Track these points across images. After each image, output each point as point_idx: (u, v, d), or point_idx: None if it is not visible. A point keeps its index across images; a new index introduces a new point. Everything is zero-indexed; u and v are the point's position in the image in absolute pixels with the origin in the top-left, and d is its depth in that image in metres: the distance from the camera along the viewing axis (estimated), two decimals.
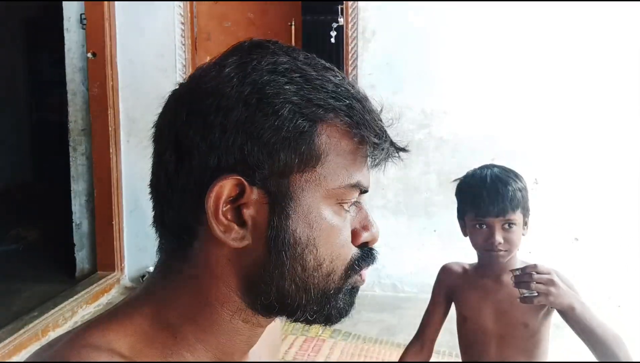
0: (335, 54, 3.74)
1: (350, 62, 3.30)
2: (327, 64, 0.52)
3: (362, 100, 0.51)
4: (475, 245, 1.43)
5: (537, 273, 1.19)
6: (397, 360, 1.72)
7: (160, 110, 0.54)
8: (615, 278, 3.20)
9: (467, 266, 1.54)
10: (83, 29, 3.38)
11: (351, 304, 0.54)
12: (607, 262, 3.19)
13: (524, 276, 1.20)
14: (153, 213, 0.53)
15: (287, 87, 0.47)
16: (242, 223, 0.48)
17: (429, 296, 1.59)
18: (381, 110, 0.54)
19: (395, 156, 0.54)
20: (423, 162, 3.32)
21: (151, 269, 0.73)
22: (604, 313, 1.41)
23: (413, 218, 3.36)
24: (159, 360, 0.47)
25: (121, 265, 3.47)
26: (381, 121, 0.52)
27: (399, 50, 3.30)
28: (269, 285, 0.49)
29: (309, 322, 0.53)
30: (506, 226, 1.34)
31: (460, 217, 1.47)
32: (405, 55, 3.29)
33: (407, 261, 3.35)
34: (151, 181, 0.53)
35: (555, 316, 1.39)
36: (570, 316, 1.21)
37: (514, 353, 1.40)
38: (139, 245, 3.44)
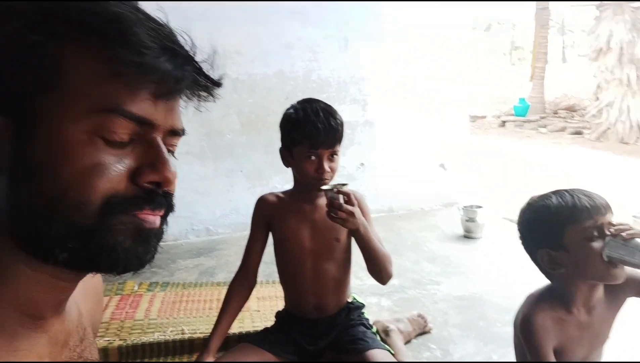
0: None
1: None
2: None
3: (126, 19, 0.45)
4: (303, 173, 1.51)
5: (344, 204, 1.40)
6: (219, 297, 1.79)
7: None
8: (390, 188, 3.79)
9: (282, 195, 1.65)
10: None
11: (134, 249, 0.48)
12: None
13: (335, 205, 1.39)
14: None
15: (23, 3, 0.44)
16: None
17: (242, 234, 1.67)
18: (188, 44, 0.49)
19: (197, 91, 0.50)
20: (222, 104, 3.33)
21: None
22: None
23: (219, 161, 3.39)
24: None
25: None
26: (163, 43, 0.47)
27: None
28: (17, 217, 0.45)
29: (75, 266, 0.48)
30: (331, 156, 1.49)
31: (288, 148, 1.53)
32: None
33: (218, 204, 3.41)
34: None
35: None
36: (355, 235, 1.49)
37: (327, 264, 1.60)
38: None
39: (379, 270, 1.52)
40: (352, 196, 1.42)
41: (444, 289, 2.53)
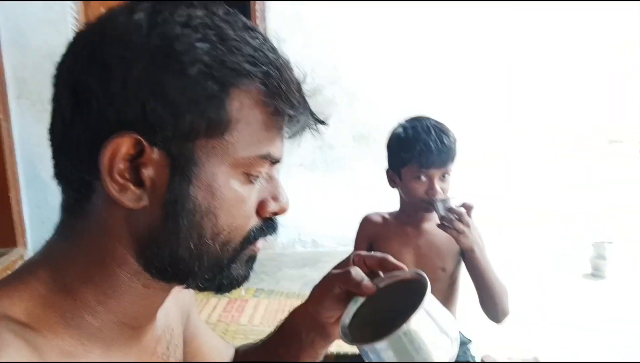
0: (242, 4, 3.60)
1: (257, 14, 3.21)
2: (249, 23, 0.48)
3: (281, 67, 0.47)
4: (411, 195, 1.41)
5: (463, 215, 1.27)
6: None
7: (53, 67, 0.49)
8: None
9: (387, 216, 1.57)
10: None
11: (246, 274, 0.53)
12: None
13: (454, 214, 1.28)
14: (53, 163, 0.49)
15: (199, 44, 0.44)
16: (139, 183, 0.45)
17: (347, 248, 1.64)
18: (304, 79, 0.51)
19: (313, 128, 0.53)
20: (336, 117, 3.37)
21: None
22: None
23: (329, 174, 3.42)
24: (59, 325, 0.45)
25: (23, 239, 3.21)
26: (300, 91, 0.49)
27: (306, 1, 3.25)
28: (163, 249, 0.47)
29: (200, 290, 0.52)
30: (443, 176, 1.38)
31: (395, 168, 1.45)
32: (312, 7, 3.25)
33: (325, 217, 3.44)
34: (50, 127, 0.48)
35: None
36: (468, 256, 1.33)
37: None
38: (41, 217, 3.20)
39: (494, 304, 1.37)
40: (472, 211, 1.29)
41: (563, 331, 2.27)
